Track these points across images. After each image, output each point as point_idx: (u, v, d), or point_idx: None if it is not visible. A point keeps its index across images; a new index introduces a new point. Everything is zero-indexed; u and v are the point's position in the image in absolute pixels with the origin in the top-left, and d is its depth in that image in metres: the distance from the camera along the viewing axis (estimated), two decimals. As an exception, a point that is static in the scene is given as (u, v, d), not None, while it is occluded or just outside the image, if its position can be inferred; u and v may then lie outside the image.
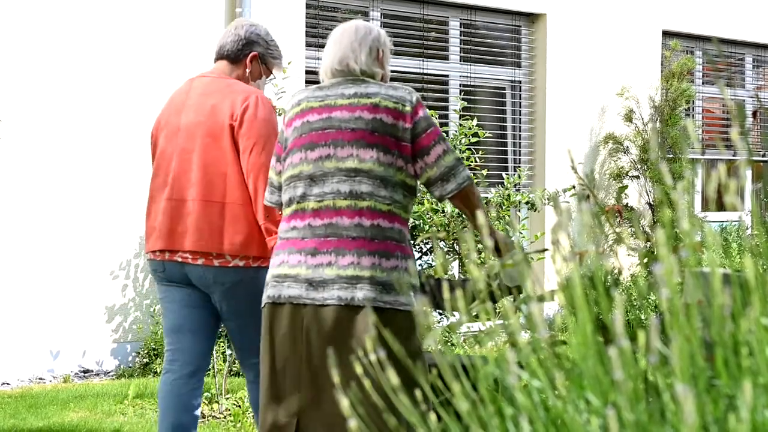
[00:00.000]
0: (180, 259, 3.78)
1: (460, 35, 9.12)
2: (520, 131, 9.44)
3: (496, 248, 3.42)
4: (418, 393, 1.75)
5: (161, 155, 3.89)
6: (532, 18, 9.47)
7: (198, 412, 3.91)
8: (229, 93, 3.80)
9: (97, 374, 7.11)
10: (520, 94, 9.44)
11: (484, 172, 8.20)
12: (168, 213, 3.81)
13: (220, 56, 3.98)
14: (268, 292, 3.31)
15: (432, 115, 7.61)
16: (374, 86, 3.34)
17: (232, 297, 3.77)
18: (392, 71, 8.61)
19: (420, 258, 7.68)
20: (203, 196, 3.74)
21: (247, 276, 3.73)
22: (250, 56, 3.95)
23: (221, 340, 6.67)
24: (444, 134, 3.38)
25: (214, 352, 5.87)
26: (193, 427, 3.86)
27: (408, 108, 3.28)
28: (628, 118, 9.70)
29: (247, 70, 3.96)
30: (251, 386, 3.90)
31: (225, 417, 5.48)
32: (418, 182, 3.31)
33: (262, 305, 3.35)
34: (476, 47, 9.20)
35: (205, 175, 3.74)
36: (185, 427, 3.82)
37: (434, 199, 7.03)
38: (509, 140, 9.45)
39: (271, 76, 4.07)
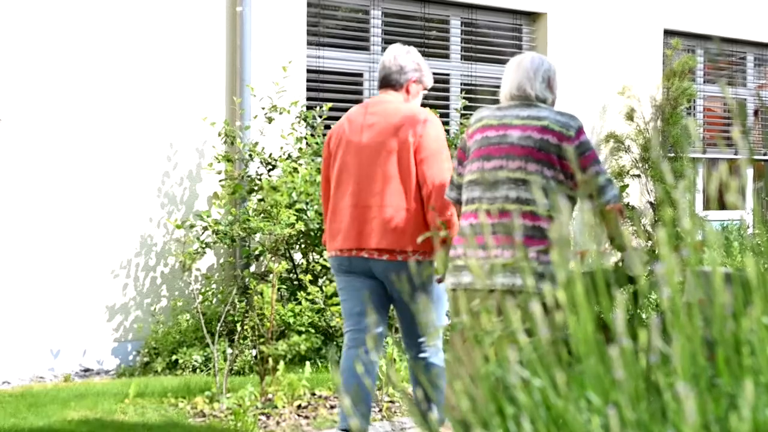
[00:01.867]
0: (366, 255, 4.48)
1: (461, 34, 9.12)
2: (521, 130, 9.43)
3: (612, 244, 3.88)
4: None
5: (343, 168, 4.56)
6: (533, 17, 9.47)
7: (375, 375, 4.85)
8: (407, 116, 4.51)
9: (98, 373, 7.11)
10: (521, 93, 9.43)
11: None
12: (355, 218, 4.50)
13: (386, 85, 4.67)
14: (450, 280, 3.95)
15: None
16: (545, 111, 4.00)
17: (414, 285, 4.53)
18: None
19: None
20: (386, 202, 4.44)
21: (418, 268, 4.47)
22: (410, 81, 4.67)
23: (221, 339, 6.67)
24: (599, 157, 4.02)
25: (215, 351, 5.87)
26: (373, 388, 4.77)
27: (572, 133, 3.91)
28: (630, 116, 9.69)
29: (410, 94, 4.67)
30: (411, 363, 4.68)
31: (226, 416, 5.48)
32: (576, 195, 3.88)
33: (447, 290, 4.01)
34: (477, 46, 9.20)
35: (388, 186, 4.45)
36: (366, 391, 4.53)
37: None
38: (510, 139, 9.44)
39: (425, 90, 4.77)
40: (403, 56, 4.68)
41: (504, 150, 3.92)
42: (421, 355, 4.64)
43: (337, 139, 4.61)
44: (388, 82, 4.64)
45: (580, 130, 3.93)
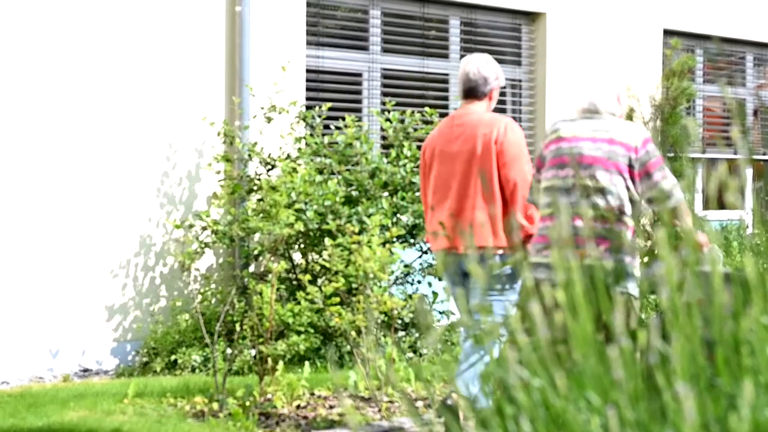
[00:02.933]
0: (459, 252, 4.92)
1: (461, 34, 9.12)
2: (520, 130, 9.44)
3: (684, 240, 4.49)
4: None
5: (438, 176, 5.03)
6: (532, 17, 9.47)
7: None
8: (489, 123, 4.89)
9: (97, 373, 7.11)
10: (520, 93, 9.43)
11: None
12: (450, 220, 4.95)
13: (470, 96, 5.03)
14: (529, 275, 4.30)
15: (432, 114, 7.64)
16: (613, 123, 4.37)
17: (496, 279, 4.88)
18: (392, 70, 8.65)
19: (420, 257, 7.68)
20: (475, 205, 4.88)
21: (504, 262, 4.90)
22: (491, 90, 5.04)
23: (220, 339, 6.67)
24: (664, 164, 4.32)
25: (214, 351, 5.87)
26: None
27: (638, 142, 4.26)
28: (629, 116, 9.69)
29: (491, 101, 5.06)
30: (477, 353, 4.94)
31: (225, 416, 5.48)
32: (642, 199, 4.26)
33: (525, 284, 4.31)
34: (477, 46, 9.19)
35: (476, 189, 4.89)
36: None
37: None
38: (509, 139, 9.44)
39: (501, 88, 5.16)
40: (485, 67, 5.03)
41: (576, 159, 4.32)
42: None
43: (431, 150, 5.12)
44: (473, 94, 5.04)
45: (645, 140, 4.29)
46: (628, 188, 4.23)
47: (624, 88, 4.58)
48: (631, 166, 4.24)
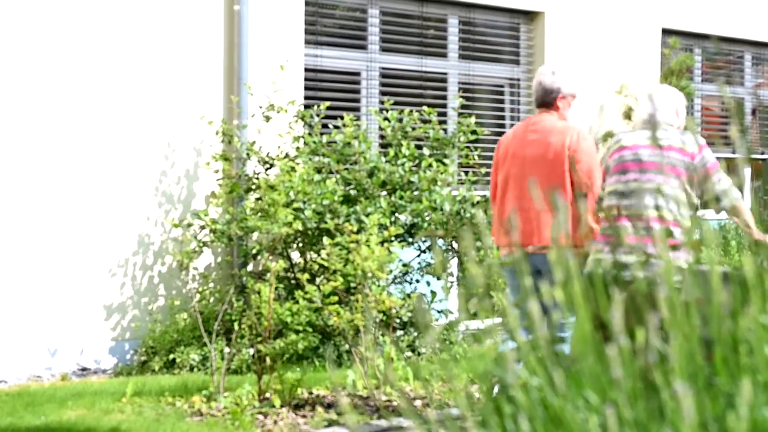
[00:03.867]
0: (530, 251, 5.09)
1: (459, 33, 9.11)
2: (518, 129, 9.44)
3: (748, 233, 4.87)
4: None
5: (508, 176, 5.33)
6: (530, 16, 9.47)
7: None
8: (561, 131, 5.23)
9: (95, 372, 7.10)
10: (518, 92, 9.43)
11: (483, 170, 8.20)
12: (519, 218, 5.19)
13: (543, 104, 5.36)
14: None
15: (430, 113, 7.63)
16: (672, 133, 4.80)
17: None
18: (391, 69, 8.65)
19: (419, 256, 7.68)
20: (547, 207, 5.19)
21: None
22: (559, 98, 5.34)
23: (219, 338, 6.67)
24: (719, 167, 4.72)
25: (212, 350, 5.87)
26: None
27: (694, 149, 4.70)
28: (627, 115, 9.69)
29: (561, 108, 5.36)
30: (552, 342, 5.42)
31: (223, 415, 5.48)
32: (699, 200, 4.68)
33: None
34: (475, 45, 9.19)
35: (548, 191, 5.17)
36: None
37: (432, 200, 7.08)
38: (508, 138, 9.44)
39: (574, 98, 5.45)
40: (558, 76, 5.36)
41: (638, 166, 4.77)
42: (562, 334, 5.19)
43: (504, 150, 5.44)
44: (545, 102, 5.37)
45: (701, 147, 4.74)
46: (685, 191, 4.67)
47: (683, 102, 5.00)
48: (688, 171, 4.68)
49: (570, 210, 5.13)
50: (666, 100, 4.98)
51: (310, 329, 6.61)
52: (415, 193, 7.30)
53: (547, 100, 5.35)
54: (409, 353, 7.17)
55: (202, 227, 7.20)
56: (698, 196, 4.74)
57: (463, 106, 8.22)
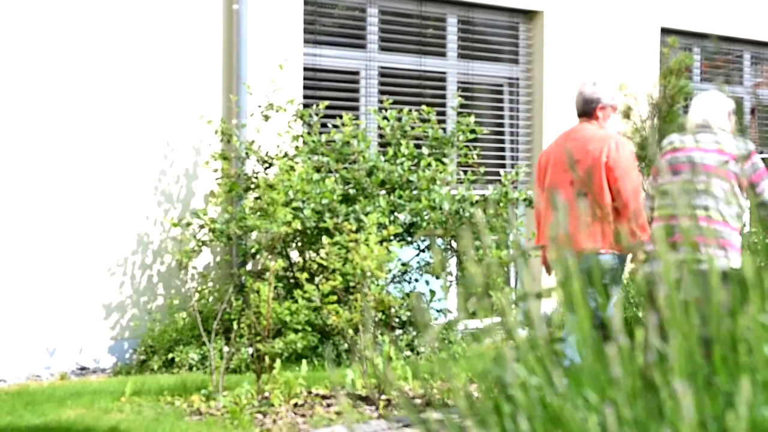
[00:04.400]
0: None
1: (458, 32, 9.11)
2: (517, 128, 9.44)
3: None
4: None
5: (552, 183, 5.52)
6: (529, 15, 9.47)
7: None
8: (600, 140, 5.40)
9: (94, 371, 7.10)
10: (517, 91, 9.43)
11: (482, 169, 8.20)
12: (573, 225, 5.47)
13: (584, 114, 5.57)
14: (646, 269, 4.95)
15: (429, 113, 7.63)
16: (724, 137, 4.97)
17: (609, 278, 5.31)
18: (390, 68, 8.65)
19: (417, 255, 7.68)
20: (586, 212, 5.23)
21: (615, 262, 5.31)
22: (599, 108, 5.53)
23: (218, 337, 6.67)
24: (767, 175, 4.96)
25: (211, 349, 5.87)
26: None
27: (745, 154, 4.91)
28: (626, 114, 9.69)
29: (604, 119, 5.56)
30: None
31: (222, 414, 5.48)
32: (747, 204, 4.97)
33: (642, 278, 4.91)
34: (474, 44, 9.19)
35: (589, 197, 5.38)
36: None
37: (431, 199, 7.08)
38: (507, 137, 9.44)
39: (617, 110, 5.67)
40: (599, 87, 5.58)
41: (689, 167, 4.97)
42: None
43: (547, 158, 5.66)
44: (585, 112, 5.57)
45: (752, 153, 5.01)
46: (734, 194, 4.86)
47: (733, 106, 5.18)
48: (738, 175, 4.87)
49: (611, 217, 5.36)
50: (718, 105, 5.15)
51: (309, 328, 6.62)
52: (414, 192, 7.30)
53: (587, 110, 5.54)
54: (408, 352, 7.17)
55: (201, 226, 7.20)
56: (747, 199, 4.99)
57: (462, 106, 8.21)
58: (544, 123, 9.33)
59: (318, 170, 7.29)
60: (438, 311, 7.78)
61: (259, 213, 6.86)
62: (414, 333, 7.31)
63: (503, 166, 9.26)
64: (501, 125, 9.40)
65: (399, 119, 7.63)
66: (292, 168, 7.16)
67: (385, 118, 7.63)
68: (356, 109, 8.49)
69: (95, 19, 7.18)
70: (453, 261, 8.06)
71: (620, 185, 5.34)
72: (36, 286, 6.96)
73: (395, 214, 7.24)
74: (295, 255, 7.43)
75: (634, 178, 5.37)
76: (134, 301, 7.35)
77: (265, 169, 7.44)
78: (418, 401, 5.85)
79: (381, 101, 8.20)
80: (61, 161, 7.06)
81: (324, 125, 7.76)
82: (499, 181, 7.79)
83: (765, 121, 11.71)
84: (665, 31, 10.30)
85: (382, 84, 8.63)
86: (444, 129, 8.33)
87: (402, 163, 7.34)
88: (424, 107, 7.73)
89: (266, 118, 7.45)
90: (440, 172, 7.33)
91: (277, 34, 7.89)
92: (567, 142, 5.56)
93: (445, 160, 7.52)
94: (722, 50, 11.09)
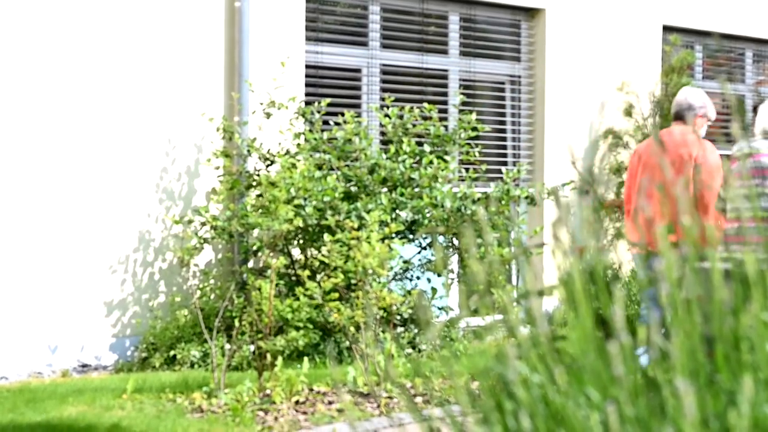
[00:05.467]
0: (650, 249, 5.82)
1: (460, 30, 9.11)
2: (519, 126, 9.43)
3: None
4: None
5: (642, 182, 5.86)
6: (531, 13, 9.46)
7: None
8: (690, 143, 5.78)
9: (96, 369, 7.11)
10: (519, 89, 9.43)
11: (484, 166, 8.19)
12: (644, 221, 5.77)
13: (677, 118, 6.00)
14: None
15: (431, 110, 7.63)
16: None
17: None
18: (391, 66, 8.64)
19: (419, 252, 7.68)
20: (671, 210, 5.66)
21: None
22: (697, 116, 5.97)
23: (219, 335, 6.67)
24: None
25: (213, 347, 5.87)
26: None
27: None
28: (628, 112, 9.69)
29: (696, 125, 5.98)
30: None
31: (224, 412, 5.48)
32: None
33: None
34: (476, 42, 9.19)
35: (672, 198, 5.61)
36: None
37: (433, 197, 7.08)
38: (508, 135, 9.44)
39: (709, 121, 6.13)
40: (694, 97, 6.01)
41: (758, 172, 5.28)
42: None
43: (638, 157, 6.05)
44: (680, 117, 5.99)
45: None
46: None
47: None
48: None
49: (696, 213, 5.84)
50: None
51: (311, 326, 6.62)
52: (416, 189, 7.30)
53: (684, 115, 5.96)
54: (410, 350, 7.17)
55: (203, 224, 7.21)
56: None
57: (463, 103, 8.21)
58: (546, 120, 9.33)
59: (320, 168, 7.29)
60: (440, 309, 7.79)
61: (260, 210, 6.86)
62: (416, 330, 7.31)
63: (505, 163, 9.26)
64: (503, 123, 9.40)
65: (401, 117, 7.63)
66: (293, 165, 7.16)
67: (386, 115, 7.62)
68: (358, 106, 8.48)
69: (97, 17, 7.18)
70: (455, 258, 8.06)
71: (704, 187, 5.70)
72: (37, 284, 6.96)
73: (397, 211, 7.24)
74: (296, 252, 7.43)
75: (716, 182, 5.71)
76: (136, 299, 7.36)
77: (267, 166, 7.44)
78: (419, 399, 5.85)
79: (383, 99, 8.19)
80: (63, 159, 7.06)
81: (326, 123, 7.76)
82: (501, 178, 7.79)
83: (767, 119, 11.70)
84: (667, 29, 10.30)
85: (383, 81, 8.63)
86: (446, 126, 8.32)
87: (404, 161, 7.34)
88: (425, 105, 7.73)
89: (268, 115, 7.45)
90: (442, 170, 7.33)
91: (279, 31, 7.89)
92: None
93: (446, 157, 7.52)
94: (724, 48, 11.08)
